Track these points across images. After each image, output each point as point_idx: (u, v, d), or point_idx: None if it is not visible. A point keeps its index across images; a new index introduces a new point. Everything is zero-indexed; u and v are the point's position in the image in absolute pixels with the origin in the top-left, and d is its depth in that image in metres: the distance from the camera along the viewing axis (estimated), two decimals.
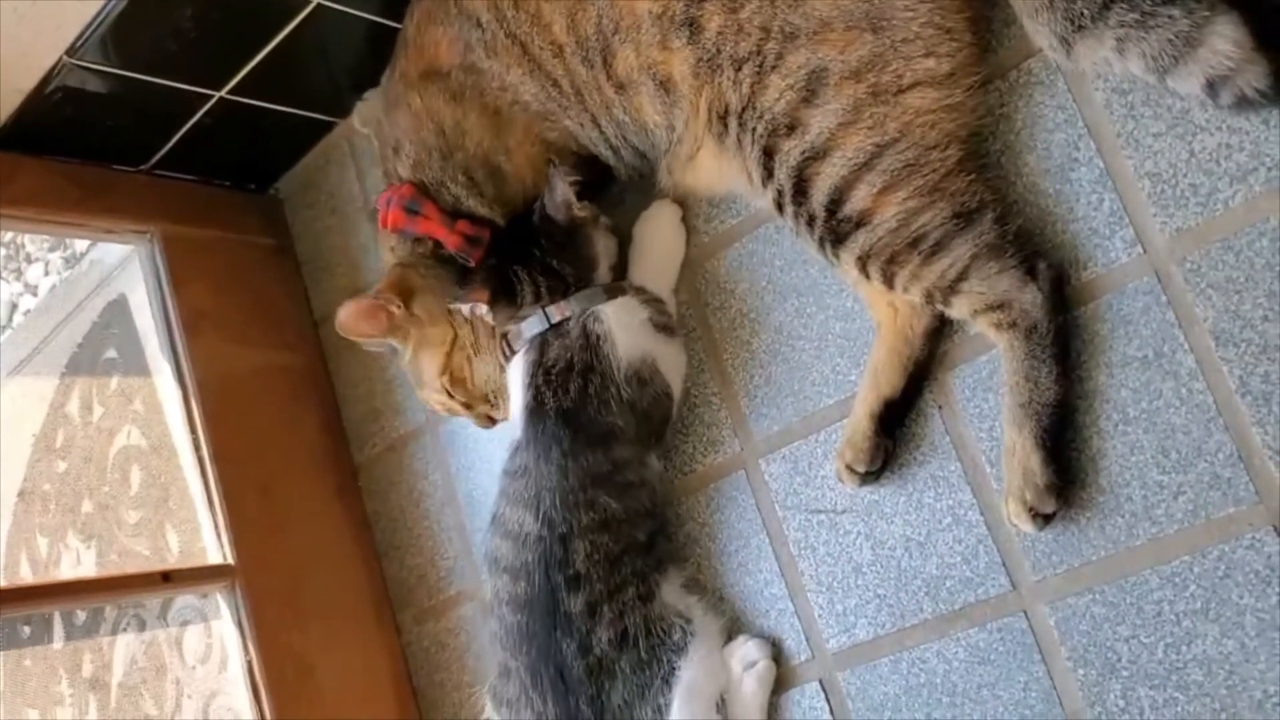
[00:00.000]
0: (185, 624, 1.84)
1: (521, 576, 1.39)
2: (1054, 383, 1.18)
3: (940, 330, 1.29)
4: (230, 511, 1.71)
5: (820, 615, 1.39)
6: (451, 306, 1.51)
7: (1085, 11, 1.10)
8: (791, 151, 1.23)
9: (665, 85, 1.33)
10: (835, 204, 1.22)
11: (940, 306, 1.23)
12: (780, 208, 1.27)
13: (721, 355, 1.49)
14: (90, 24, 1.49)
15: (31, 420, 2.14)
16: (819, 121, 1.21)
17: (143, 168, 1.83)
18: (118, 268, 1.98)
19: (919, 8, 1.19)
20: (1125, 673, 1.18)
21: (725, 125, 1.29)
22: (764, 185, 1.27)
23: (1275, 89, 1.04)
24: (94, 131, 1.72)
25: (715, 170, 1.35)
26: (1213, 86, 1.06)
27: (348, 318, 1.51)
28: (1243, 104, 1.06)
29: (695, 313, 1.50)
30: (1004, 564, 1.27)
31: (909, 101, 1.19)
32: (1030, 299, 1.18)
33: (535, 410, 1.41)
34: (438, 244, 1.48)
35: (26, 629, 2.01)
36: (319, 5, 1.59)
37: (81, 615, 1.97)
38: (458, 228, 1.45)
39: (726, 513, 1.47)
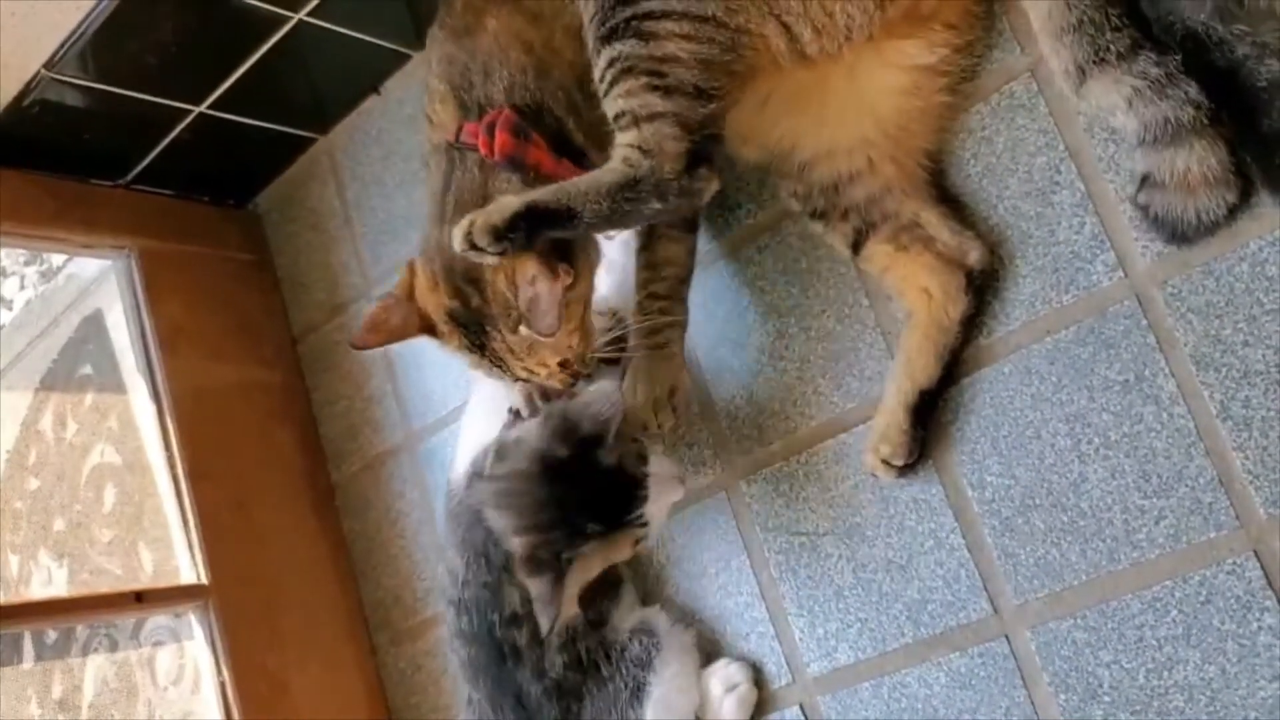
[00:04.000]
0: (158, 644, 1.82)
1: (464, 611, 1.38)
2: (594, 218, 1.16)
3: (975, 317, 1.26)
4: (205, 530, 1.69)
5: (801, 639, 1.38)
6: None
7: (1112, 47, 1.09)
8: None
9: None
10: (648, 16, 1.16)
11: (624, 130, 1.18)
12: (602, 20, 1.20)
13: (703, 376, 1.48)
14: (69, 37, 1.48)
15: (4, 436, 2.12)
16: None
17: (121, 182, 1.82)
18: (94, 282, 1.97)
19: (854, 1, 1.17)
20: (1107, 698, 1.18)
21: None
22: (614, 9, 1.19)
23: (1221, 222, 1.09)
24: (72, 145, 1.70)
25: None
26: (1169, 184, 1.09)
27: (547, 330, 1.21)
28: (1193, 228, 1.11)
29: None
30: (985, 588, 1.26)
31: (769, 26, 1.16)
32: (664, 165, 1.15)
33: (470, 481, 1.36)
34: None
35: None
36: (300, 21, 1.58)
37: (52, 635, 1.94)
38: (563, 164, 1.27)
39: (707, 534, 1.46)
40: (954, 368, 1.27)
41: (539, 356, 1.25)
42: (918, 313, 1.27)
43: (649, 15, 1.16)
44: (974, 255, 1.25)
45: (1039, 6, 1.15)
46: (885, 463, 1.29)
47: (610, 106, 1.19)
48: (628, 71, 1.17)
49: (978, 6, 1.25)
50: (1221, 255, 1.13)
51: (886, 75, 1.24)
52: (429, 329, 1.28)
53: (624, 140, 1.18)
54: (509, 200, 1.17)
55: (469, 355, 1.28)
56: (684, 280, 1.40)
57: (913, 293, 1.27)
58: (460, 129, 1.28)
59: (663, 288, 1.38)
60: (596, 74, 1.20)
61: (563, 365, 1.26)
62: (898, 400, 1.27)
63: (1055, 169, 1.23)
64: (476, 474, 1.31)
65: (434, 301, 1.27)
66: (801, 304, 1.40)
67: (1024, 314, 1.24)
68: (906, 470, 1.29)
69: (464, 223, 1.16)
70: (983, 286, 1.26)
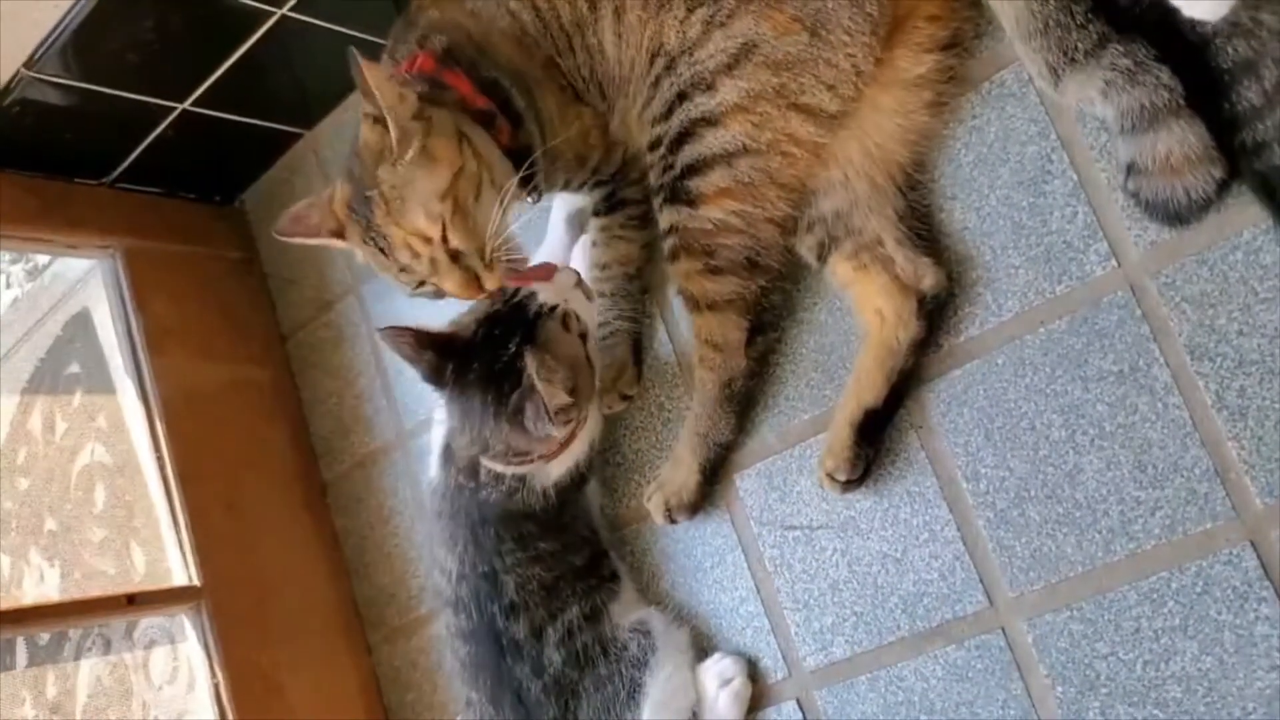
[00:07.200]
0: (151, 645, 1.81)
1: (461, 610, 1.39)
2: (730, 430, 1.37)
3: (927, 341, 1.27)
4: (196, 530, 1.68)
5: (797, 633, 1.38)
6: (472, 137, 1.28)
7: (1080, 45, 1.09)
8: (698, 105, 1.24)
9: (619, 11, 1.29)
10: (690, 171, 1.25)
11: (689, 312, 1.32)
12: (653, 147, 1.29)
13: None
14: (49, 35, 1.46)
15: None
16: (725, 93, 1.22)
17: (105, 181, 1.80)
18: (81, 281, 1.95)
19: (853, 40, 1.19)
20: (1104, 690, 1.17)
21: (651, 64, 1.28)
22: (656, 121, 1.28)
23: (1212, 198, 1.08)
24: (55, 144, 1.69)
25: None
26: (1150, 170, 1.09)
27: (369, 70, 1.20)
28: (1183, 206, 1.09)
29: (670, 329, 1.49)
30: (981, 580, 1.25)
31: (791, 121, 1.21)
32: (736, 360, 1.32)
33: (448, 466, 1.40)
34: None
35: None
36: (283, 16, 1.57)
37: (45, 637, 1.93)
38: (482, 98, 1.30)
39: (701, 529, 1.46)
40: (903, 390, 1.28)
41: (412, 220, 1.24)
42: (871, 332, 1.28)
43: (695, 170, 1.25)
44: (928, 281, 1.25)
45: (1006, 12, 1.15)
46: (830, 477, 1.30)
47: (673, 276, 1.33)
48: (685, 249, 1.28)
49: None
50: (1215, 244, 1.12)
51: (876, 95, 1.24)
52: (338, 232, 1.32)
53: (693, 328, 1.33)
54: (687, 480, 1.40)
55: (366, 249, 1.30)
56: (633, 276, 1.47)
57: (867, 312, 1.29)
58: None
59: (609, 286, 1.46)
60: (660, 227, 1.32)
61: (453, 256, 1.26)
62: (844, 415, 1.29)
63: (1047, 158, 1.22)
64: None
65: (339, 199, 1.31)
66: (793, 298, 1.39)
67: (1017, 304, 1.24)
68: (850, 486, 1.30)
69: (660, 504, 1.41)
70: (936, 312, 1.26)
